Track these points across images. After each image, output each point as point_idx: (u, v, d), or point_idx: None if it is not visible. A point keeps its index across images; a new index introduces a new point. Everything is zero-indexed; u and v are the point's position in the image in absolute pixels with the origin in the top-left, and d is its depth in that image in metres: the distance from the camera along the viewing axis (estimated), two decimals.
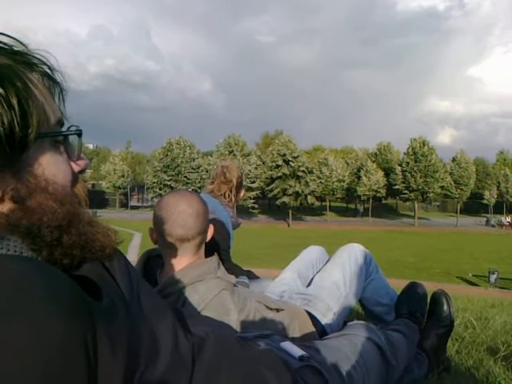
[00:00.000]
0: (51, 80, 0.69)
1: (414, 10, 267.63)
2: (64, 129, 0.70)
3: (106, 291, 0.63)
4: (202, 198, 1.34)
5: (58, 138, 0.68)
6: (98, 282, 0.64)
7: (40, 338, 0.46)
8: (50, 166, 0.65)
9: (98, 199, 55.05)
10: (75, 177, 0.72)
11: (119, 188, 53.15)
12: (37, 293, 0.49)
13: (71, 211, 0.64)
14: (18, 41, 0.65)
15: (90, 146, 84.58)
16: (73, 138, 0.71)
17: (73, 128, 0.70)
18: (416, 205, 51.00)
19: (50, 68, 0.68)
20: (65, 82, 0.71)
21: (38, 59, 0.67)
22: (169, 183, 47.39)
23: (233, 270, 2.06)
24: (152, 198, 50.91)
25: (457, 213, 52.19)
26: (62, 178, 0.67)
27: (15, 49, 0.64)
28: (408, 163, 49.18)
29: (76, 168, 0.72)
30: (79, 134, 0.71)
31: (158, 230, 1.29)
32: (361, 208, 54.83)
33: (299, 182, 47.21)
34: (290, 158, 46.85)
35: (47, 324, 0.47)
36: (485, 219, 53.37)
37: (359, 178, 51.93)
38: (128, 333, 0.62)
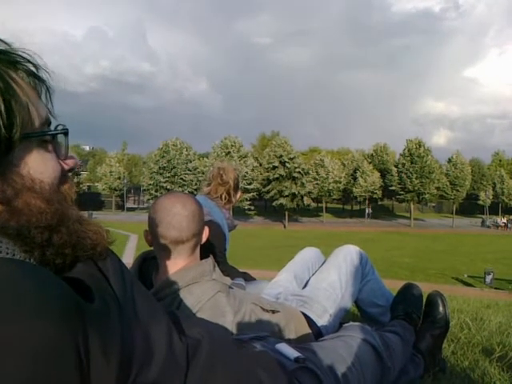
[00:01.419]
0: (36, 78, 0.68)
1: (410, 11, 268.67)
2: (52, 127, 0.69)
3: (99, 293, 0.63)
4: (197, 200, 1.34)
5: (46, 137, 0.67)
6: (91, 283, 0.64)
7: (30, 340, 0.46)
8: (37, 165, 0.64)
9: (93, 201, 54.81)
10: (64, 175, 0.71)
11: (115, 190, 52.96)
12: (26, 295, 0.49)
13: (60, 210, 0.64)
14: (0, 40, 0.64)
15: (86, 148, 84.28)
16: (60, 137, 0.71)
17: (60, 127, 0.70)
18: (412, 206, 51.10)
19: (35, 66, 0.67)
20: (51, 79, 0.70)
21: (22, 57, 0.65)
22: (165, 185, 47.29)
23: (228, 271, 2.06)
24: (148, 199, 50.74)
25: (452, 214, 52.31)
26: (49, 177, 0.66)
27: None
28: (404, 164, 49.30)
29: (65, 167, 0.72)
30: (65, 133, 0.70)
31: (152, 232, 1.29)
32: (368, 209, 54.71)
33: (295, 184, 47.24)
34: (287, 160, 46.88)
35: (37, 326, 0.47)
36: (480, 220, 53.60)
37: (355, 179, 52.00)
38: (121, 334, 0.62)
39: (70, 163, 0.73)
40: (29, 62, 0.66)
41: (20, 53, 0.65)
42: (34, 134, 0.64)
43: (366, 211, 54.56)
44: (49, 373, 0.47)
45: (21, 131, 0.60)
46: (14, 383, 0.45)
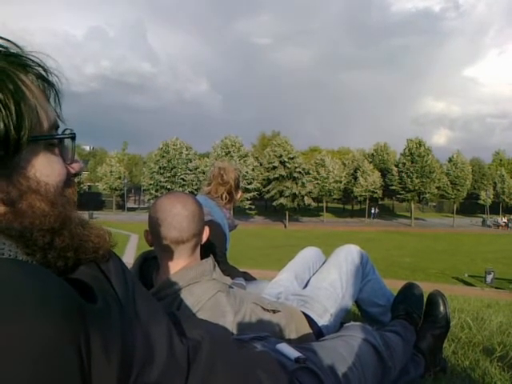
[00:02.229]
0: (46, 82, 0.68)
1: (410, 11, 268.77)
2: (59, 131, 0.70)
3: (101, 294, 0.63)
4: (197, 200, 1.34)
5: (53, 140, 0.67)
6: (93, 284, 0.64)
7: (31, 340, 0.46)
8: (43, 168, 0.64)
9: (94, 201, 54.78)
10: (69, 179, 0.71)
11: (116, 190, 52.90)
12: (28, 295, 0.49)
13: (63, 213, 0.64)
14: (12, 43, 0.64)
15: (87, 148, 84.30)
16: (67, 142, 0.71)
17: (67, 131, 0.70)
18: (412, 205, 51.10)
19: (44, 70, 0.67)
20: (60, 83, 0.70)
21: (33, 61, 0.66)
22: (165, 185, 47.28)
23: (229, 271, 2.06)
24: (149, 199, 50.71)
25: (453, 213, 52.25)
26: (55, 180, 0.66)
27: (9, 51, 0.64)
28: (404, 164, 49.24)
29: (70, 171, 0.72)
30: (73, 137, 0.70)
31: (153, 232, 1.29)
32: (375, 209, 54.64)
33: (296, 183, 47.22)
34: (287, 159, 46.86)
35: (38, 326, 0.47)
36: (481, 220, 53.53)
37: (356, 178, 51.95)
38: (122, 335, 0.62)
39: (75, 167, 0.73)
40: (39, 65, 0.67)
41: (31, 56, 0.66)
42: (41, 137, 0.64)
43: (372, 211, 54.50)
44: (50, 373, 0.47)
45: (29, 134, 0.60)
46: (16, 383, 0.45)
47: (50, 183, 0.65)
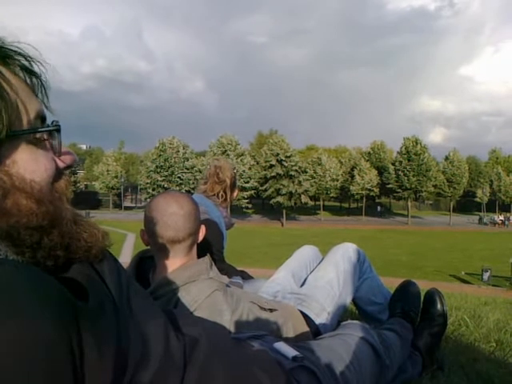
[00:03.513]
0: (30, 73, 0.65)
1: (405, 9, 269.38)
2: (49, 122, 0.67)
3: (94, 292, 0.62)
4: (193, 199, 1.33)
5: (38, 134, 0.64)
6: (86, 283, 0.63)
7: (23, 339, 0.45)
8: (28, 164, 0.61)
9: (91, 200, 54.69)
10: (59, 173, 0.68)
11: (112, 189, 52.88)
12: (19, 295, 0.48)
13: (51, 211, 0.62)
14: None
15: (83, 147, 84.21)
16: (54, 134, 0.67)
17: (54, 123, 0.67)
18: (409, 203, 51.21)
19: (28, 60, 0.64)
20: (46, 73, 0.67)
21: (15, 52, 0.63)
22: (162, 184, 47.21)
23: (226, 270, 2.05)
24: (145, 198, 50.72)
25: (450, 211, 52.49)
26: (41, 175, 0.63)
27: None
28: (401, 162, 49.37)
29: (61, 164, 0.69)
30: (57, 129, 0.67)
31: (148, 231, 1.28)
32: (382, 208, 54.78)
33: (293, 182, 47.24)
34: (284, 158, 46.87)
35: (30, 326, 0.47)
36: (478, 217, 53.76)
37: (353, 177, 52.06)
38: (116, 334, 0.61)
39: (66, 160, 0.70)
40: (22, 56, 0.64)
41: (12, 47, 0.63)
42: (22, 132, 0.61)
43: (378, 209, 54.60)
44: (42, 372, 0.46)
45: (8, 129, 0.58)
46: (8, 381, 0.44)
47: (37, 179, 0.62)
